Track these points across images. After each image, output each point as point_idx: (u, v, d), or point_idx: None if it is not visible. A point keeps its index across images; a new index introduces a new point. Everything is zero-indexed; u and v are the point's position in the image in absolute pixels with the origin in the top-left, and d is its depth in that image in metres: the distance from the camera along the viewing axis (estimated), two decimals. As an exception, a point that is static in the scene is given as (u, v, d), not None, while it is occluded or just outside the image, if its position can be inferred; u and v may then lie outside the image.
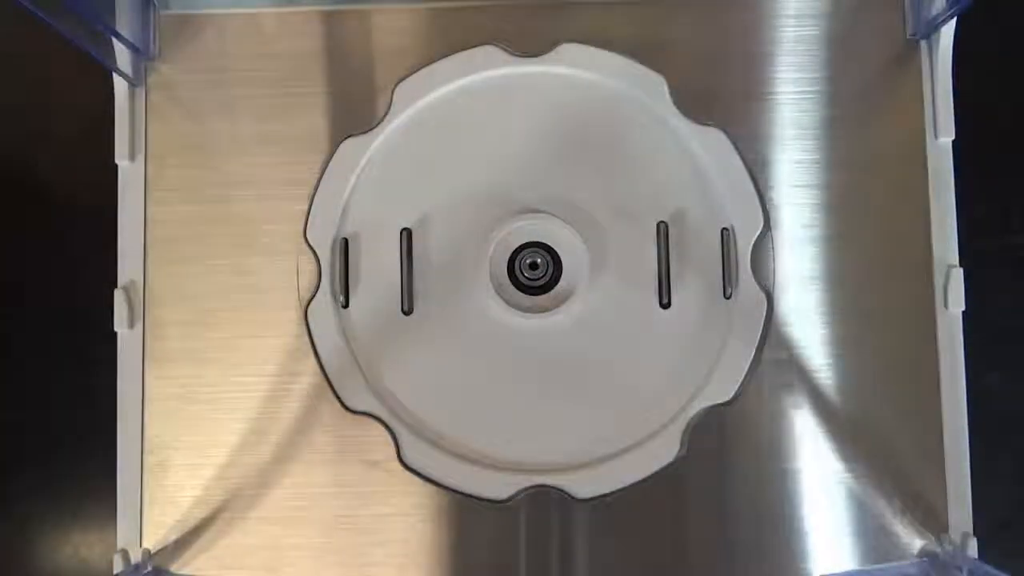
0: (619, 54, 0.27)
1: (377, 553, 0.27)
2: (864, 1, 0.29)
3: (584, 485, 0.27)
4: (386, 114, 0.27)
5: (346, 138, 0.27)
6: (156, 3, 0.28)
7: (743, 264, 0.27)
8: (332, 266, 0.27)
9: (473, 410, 0.25)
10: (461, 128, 0.26)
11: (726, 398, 0.26)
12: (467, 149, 0.26)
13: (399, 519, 0.27)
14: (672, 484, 0.27)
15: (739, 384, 0.26)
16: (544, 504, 0.27)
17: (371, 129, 0.27)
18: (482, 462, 0.27)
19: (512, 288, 0.26)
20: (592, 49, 0.27)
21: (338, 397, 0.26)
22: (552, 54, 0.27)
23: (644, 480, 0.27)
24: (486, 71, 0.27)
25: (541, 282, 0.26)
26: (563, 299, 0.26)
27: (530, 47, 0.28)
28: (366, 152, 0.26)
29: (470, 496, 0.27)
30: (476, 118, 0.26)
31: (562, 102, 0.26)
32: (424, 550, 0.27)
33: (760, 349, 0.27)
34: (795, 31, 0.29)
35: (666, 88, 0.26)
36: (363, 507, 0.27)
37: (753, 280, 0.26)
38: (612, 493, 0.27)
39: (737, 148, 0.27)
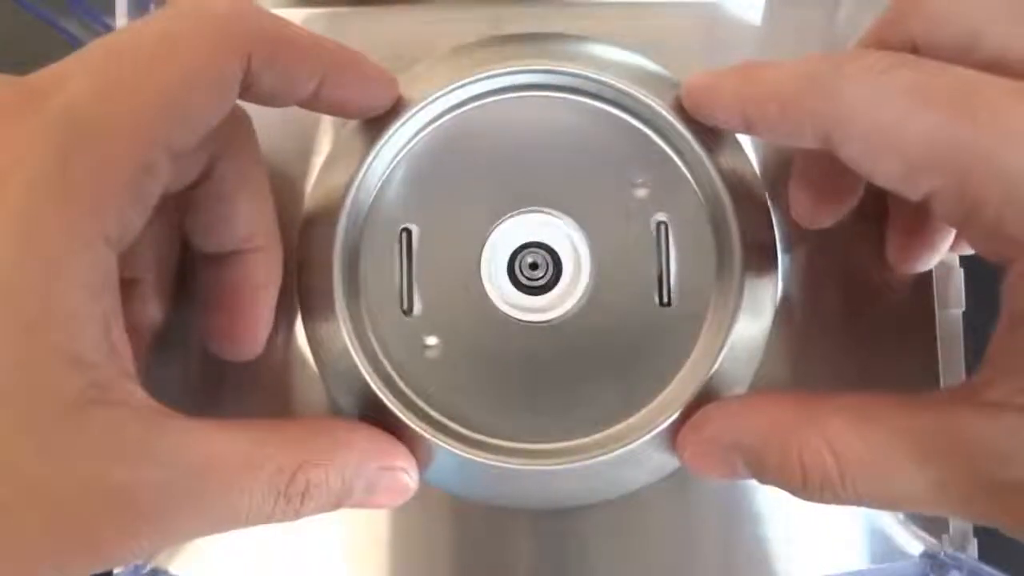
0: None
1: (376, 553, 0.27)
2: (864, 1, 0.29)
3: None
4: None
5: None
6: (156, 3, 0.28)
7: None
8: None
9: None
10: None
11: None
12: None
13: (399, 518, 0.27)
14: (674, 486, 0.27)
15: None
16: (544, 504, 0.27)
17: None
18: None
19: (512, 288, 0.26)
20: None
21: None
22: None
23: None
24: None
25: (541, 282, 0.26)
26: (563, 299, 0.26)
27: (530, 47, 0.28)
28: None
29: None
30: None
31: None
32: (423, 550, 0.27)
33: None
34: (794, 31, 0.29)
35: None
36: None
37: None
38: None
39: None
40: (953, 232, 0.26)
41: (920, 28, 0.22)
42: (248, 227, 0.25)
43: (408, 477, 0.24)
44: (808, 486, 0.21)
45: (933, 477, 0.19)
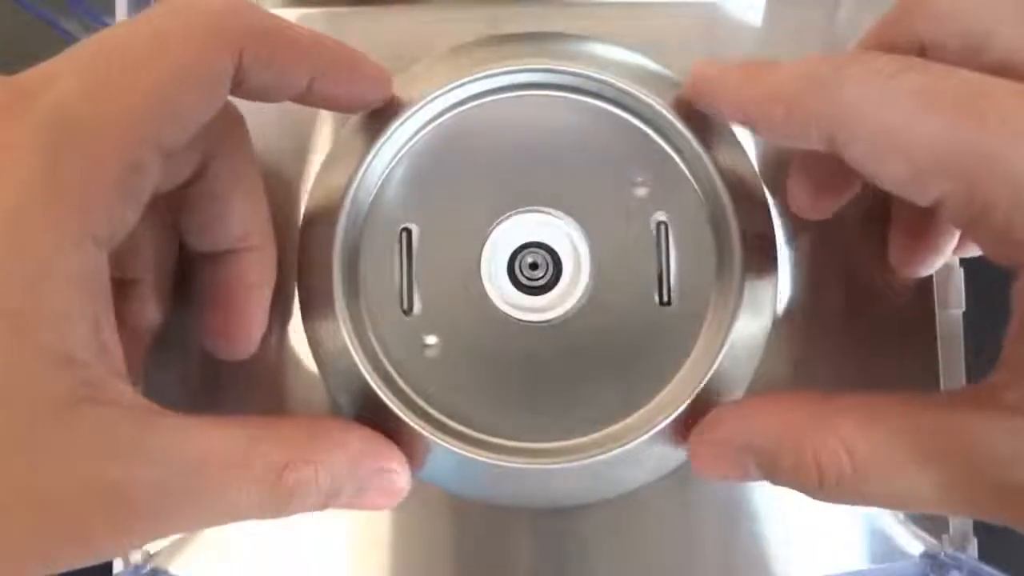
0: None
1: (376, 553, 0.27)
2: (864, 1, 0.29)
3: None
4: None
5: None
6: (155, 3, 0.28)
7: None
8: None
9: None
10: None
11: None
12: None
13: (399, 518, 0.27)
14: (674, 485, 0.27)
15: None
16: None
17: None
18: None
19: (512, 288, 0.26)
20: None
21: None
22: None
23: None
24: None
25: (541, 282, 0.26)
26: (563, 299, 0.26)
27: (530, 47, 0.28)
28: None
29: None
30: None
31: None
32: (423, 550, 0.27)
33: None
34: (794, 31, 0.29)
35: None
36: (363, 507, 0.27)
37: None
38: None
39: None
40: (957, 234, 0.26)
41: (926, 27, 0.21)
42: (242, 226, 0.25)
43: (400, 479, 0.24)
44: (824, 486, 0.21)
45: (935, 478, 0.19)
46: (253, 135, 0.25)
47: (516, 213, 0.26)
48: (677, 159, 0.26)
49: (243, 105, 0.24)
